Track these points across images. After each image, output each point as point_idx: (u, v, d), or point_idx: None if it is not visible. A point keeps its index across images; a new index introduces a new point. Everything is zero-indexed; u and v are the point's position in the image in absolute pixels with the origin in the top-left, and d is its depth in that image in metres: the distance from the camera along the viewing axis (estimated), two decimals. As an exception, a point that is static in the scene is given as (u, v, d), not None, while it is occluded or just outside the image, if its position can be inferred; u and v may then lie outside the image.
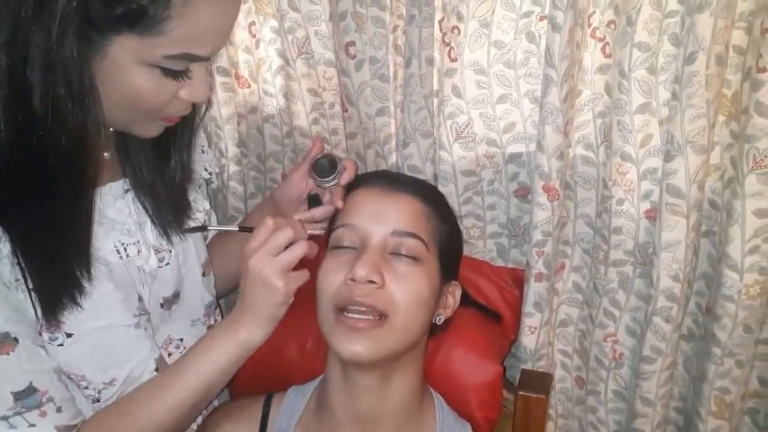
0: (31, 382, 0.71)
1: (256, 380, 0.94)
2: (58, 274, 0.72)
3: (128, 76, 0.67)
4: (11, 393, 0.70)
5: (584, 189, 1.00)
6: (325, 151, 0.93)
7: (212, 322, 0.98)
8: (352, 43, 1.01)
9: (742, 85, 0.84)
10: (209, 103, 1.12)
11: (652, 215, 0.94)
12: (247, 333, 0.81)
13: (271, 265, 0.79)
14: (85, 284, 0.74)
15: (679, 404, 1.06)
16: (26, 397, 0.71)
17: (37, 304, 0.71)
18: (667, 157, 0.87)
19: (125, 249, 0.81)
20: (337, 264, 0.79)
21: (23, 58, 0.62)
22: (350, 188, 0.86)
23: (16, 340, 0.70)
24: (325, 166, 0.89)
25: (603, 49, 0.91)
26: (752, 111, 0.81)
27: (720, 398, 0.95)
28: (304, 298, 0.87)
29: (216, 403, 0.98)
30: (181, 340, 0.92)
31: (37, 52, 0.62)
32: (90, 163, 0.71)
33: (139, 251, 0.82)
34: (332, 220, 0.87)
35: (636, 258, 0.98)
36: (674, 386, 1.03)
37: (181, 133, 0.84)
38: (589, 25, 0.89)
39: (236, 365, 0.82)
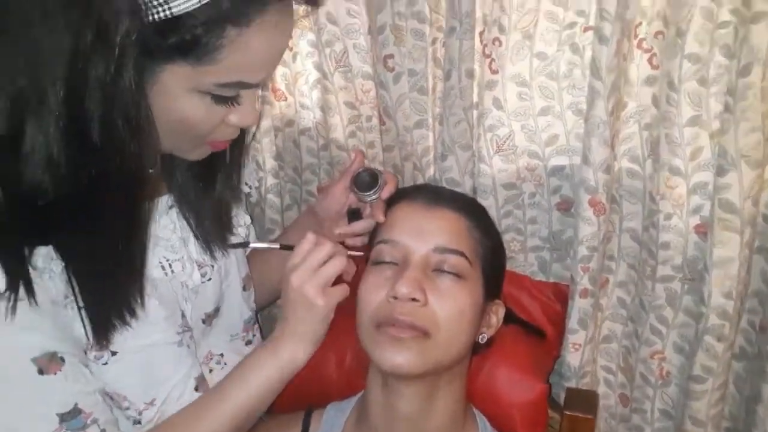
0: (76, 404, 0.71)
1: (296, 397, 0.93)
2: (112, 296, 0.72)
3: (179, 102, 0.66)
4: (57, 414, 0.70)
5: (630, 203, 0.97)
6: (365, 165, 0.93)
7: (251, 337, 0.97)
8: (391, 56, 1.01)
9: (800, 97, 0.81)
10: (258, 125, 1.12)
11: (703, 230, 0.92)
12: (290, 353, 0.80)
13: (311, 281, 0.79)
14: (137, 307, 0.74)
15: (729, 424, 1.03)
16: (71, 418, 0.70)
17: (87, 325, 0.71)
18: (720, 172, 0.85)
19: (170, 265, 0.81)
20: (378, 280, 0.78)
21: (82, 90, 0.61)
22: (391, 202, 0.86)
23: (62, 359, 0.70)
24: (366, 180, 0.88)
25: (650, 61, 0.88)
26: (811, 124, 0.78)
27: (775, 419, 0.92)
28: (343, 314, 0.86)
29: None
30: (222, 355, 0.92)
31: (95, 85, 0.61)
32: (144, 186, 0.70)
33: (183, 267, 0.82)
34: (373, 235, 0.86)
35: (685, 274, 0.95)
36: (725, 406, 1.00)
37: (230, 155, 0.83)
38: (636, 36, 0.87)
39: (279, 387, 0.82)
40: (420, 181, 1.08)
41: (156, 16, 0.59)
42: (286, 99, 1.17)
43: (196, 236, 0.86)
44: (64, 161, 0.63)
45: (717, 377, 0.94)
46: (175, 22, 0.60)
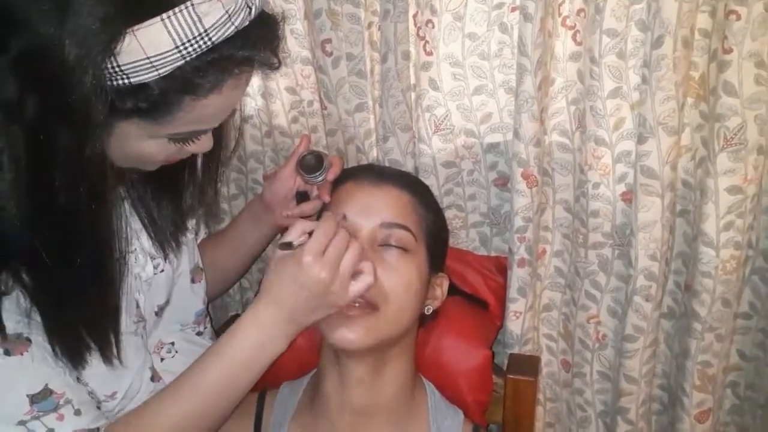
0: (46, 384, 0.70)
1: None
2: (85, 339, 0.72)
3: (136, 144, 0.68)
4: (27, 396, 0.69)
5: (561, 175, 1.02)
6: (310, 148, 0.95)
7: (201, 329, 0.97)
8: (328, 41, 1.03)
9: (708, 66, 0.87)
10: (237, 145, 1.11)
11: (628, 197, 0.97)
12: (285, 340, 0.77)
13: (338, 278, 0.72)
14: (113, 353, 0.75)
15: (662, 381, 1.09)
16: (42, 399, 0.70)
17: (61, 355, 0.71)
18: (640, 140, 0.90)
19: (124, 257, 0.80)
20: None
21: (47, 159, 0.62)
22: (337, 182, 0.88)
23: (28, 340, 0.69)
24: (311, 163, 0.90)
25: (574, 37, 0.93)
26: (720, 91, 0.84)
27: (703, 372, 0.98)
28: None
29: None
30: (173, 344, 0.92)
31: (62, 155, 0.62)
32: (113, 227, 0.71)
33: (136, 259, 0.82)
34: (321, 215, 0.88)
35: (614, 240, 1.00)
36: (657, 363, 1.06)
37: (204, 170, 0.84)
38: (560, 14, 0.92)
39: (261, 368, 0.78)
40: (363, 162, 1.10)
41: (115, 84, 0.60)
42: (226, 87, 1.17)
43: (147, 231, 0.85)
44: (33, 210, 0.64)
45: (647, 336, 0.99)
46: (134, 89, 0.61)
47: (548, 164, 1.01)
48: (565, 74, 0.95)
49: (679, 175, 0.94)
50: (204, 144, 0.73)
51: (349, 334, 0.76)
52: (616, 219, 0.99)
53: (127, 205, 0.83)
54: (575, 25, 0.92)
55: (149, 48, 0.59)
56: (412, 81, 1.02)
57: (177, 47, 0.60)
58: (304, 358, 0.94)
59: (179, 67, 0.61)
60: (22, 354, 0.68)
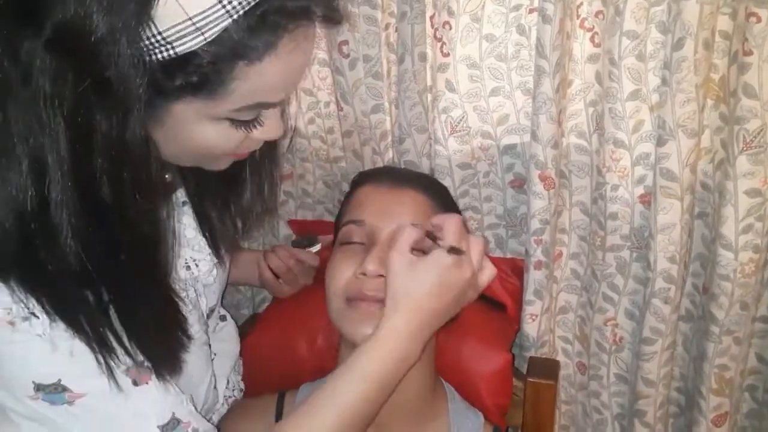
0: (173, 413, 0.67)
1: (268, 379, 0.95)
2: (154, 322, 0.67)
3: (194, 130, 0.62)
4: (158, 427, 0.65)
5: (578, 177, 1.01)
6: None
7: (212, 326, 0.97)
8: (345, 42, 1.02)
9: (729, 68, 0.86)
10: (294, 131, 1.10)
11: (647, 199, 0.96)
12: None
13: (478, 285, 0.76)
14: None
15: (679, 384, 1.08)
16: (171, 429, 0.66)
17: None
18: (660, 142, 0.89)
19: (197, 265, 0.78)
20: (346, 260, 0.80)
21: (89, 147, 0.57)
22: (357, 184, 0.88)
23: (149, 368, 0.65)
24: (303, 243, 1.00)
25: (592, 39, 0.92)
26: (740, 93, 0.83)
27: (720, 376, 0.98)
28: (313, 297, 0.88)
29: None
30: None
31: (103, 140, 0.56)
32: (165, 248, 0.65)
33: (207, 266, 0.80)
34: (340, 216, 0.88)
35: (632, 242, 1.00)
36: (675, 366, 1.05)
37: (262, 167, 0.79)
38: (578, 16, 0.91)
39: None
40: (379, 164, 1.10)
41: (160, 56, 0.55)
42: (242, 89, 1.18)
43: (206, 238, 0.82)
44: (84, 221, 0.58)
45: (665, 338, 0.99)
46: (181, 61, 0.55)
47: (565, 166, 1.01)
48: (583, 76, 0.95)
49: (698, 177, 0.93)
50: (273, 128, 0.66)
51: (370, 329, 0.75)
52: (635, 221, 0.98)
53: (189, 209, 0.80)
54: (593, 27, 0.92)
55: (189, 6, 0.53)
56: (429, 82, 1.02)
57: (220, 1, 0.53)
58: (324, 360, 0.95)
59: (226, 29, 0.54)
60: (147, 383, 0.65)
